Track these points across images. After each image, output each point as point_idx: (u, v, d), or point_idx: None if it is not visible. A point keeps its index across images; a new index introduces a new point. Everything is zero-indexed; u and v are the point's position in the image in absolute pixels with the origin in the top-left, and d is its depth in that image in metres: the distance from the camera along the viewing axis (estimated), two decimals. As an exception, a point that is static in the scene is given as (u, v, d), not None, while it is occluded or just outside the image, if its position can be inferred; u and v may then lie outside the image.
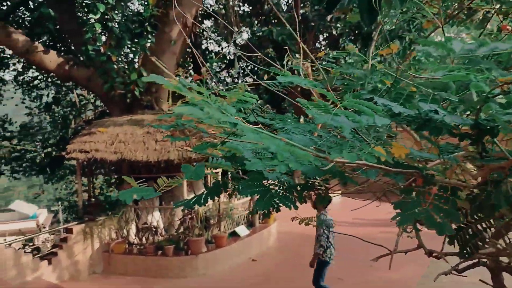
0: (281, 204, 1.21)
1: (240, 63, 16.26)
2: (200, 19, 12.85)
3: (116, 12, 8.10)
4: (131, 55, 14.46)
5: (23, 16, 12.53)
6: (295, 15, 6.95)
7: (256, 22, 14.60)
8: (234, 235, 8.34)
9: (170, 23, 8.38)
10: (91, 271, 7.53)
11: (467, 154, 1.19)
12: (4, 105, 16.14)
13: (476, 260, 1.68)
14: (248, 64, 15.56)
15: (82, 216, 7.84)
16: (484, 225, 1.29)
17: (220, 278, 7.16)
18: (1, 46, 14.39)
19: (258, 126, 1.34)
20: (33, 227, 28.19)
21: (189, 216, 7.37)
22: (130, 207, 7.95)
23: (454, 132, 1.00)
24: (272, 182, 1.16)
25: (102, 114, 11.57)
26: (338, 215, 6.33)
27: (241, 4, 14.67)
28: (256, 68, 16.35)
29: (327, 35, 14.88)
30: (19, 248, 7.14)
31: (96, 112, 12.84)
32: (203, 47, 15.43)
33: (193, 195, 7.80)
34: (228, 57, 13.49)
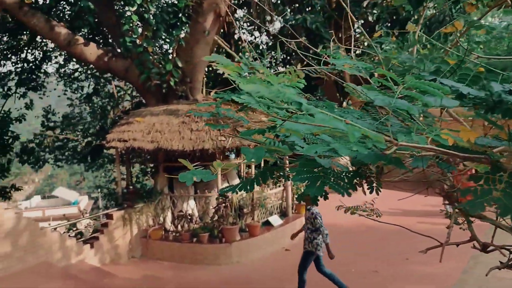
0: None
1: (272, 52, 16.13)
2: (233, 8, 12.82)
3: (152, 3, 8.22)
4: (165, 46, 14.72)
5: (63, 10, 13.02)
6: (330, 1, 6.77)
7: (289, 10, 14.39)
8: (267, 224, 8.37)
9: (204, 13, 8.41)
10: (130, 256, 7.83)
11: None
12: (47, 96, 16.91)
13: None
14: (281, 53, 15.40)
15: (121, 203, 8.13)
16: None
17: (254, 266, 7.23)
18: (44, 40, 15.09)
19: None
20: (75, 212, 29.70)
21: (223, 204, 7.46)
22: (166, 195, 8.16)
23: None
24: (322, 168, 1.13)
25: (139, 105, 11.88)
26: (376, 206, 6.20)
27: (274, -8, 14.50)
28: (288, 58, 16.18)
29: (363, 21, 14.45)
30: (64, 232, 7.52)
31: (133, 103, 13.20)
32: (235, 37, 15.44)
33: (226, 184, 7.89)
34: (260, 47, 13.40)
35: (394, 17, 11.78)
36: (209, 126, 1.84)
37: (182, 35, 8.52)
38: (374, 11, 12.21)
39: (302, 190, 9.89)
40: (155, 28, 8.06)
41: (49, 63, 15.92)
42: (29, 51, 14.83)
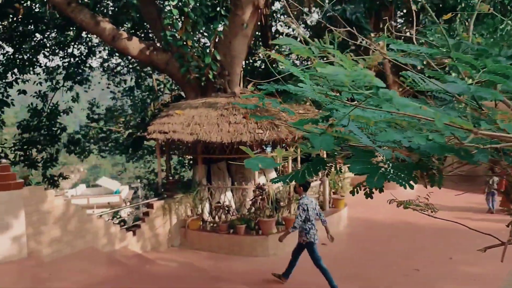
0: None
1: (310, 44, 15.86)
2: (270, 0, 12.73)
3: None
4: (203, 40, 14.90)
5: (107, 5, 13.51)
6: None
7: (327, 1, 14.09)
8: (304, 218, 8.31)
9: (243, 6, 8.41)
10: (170, 244, 8.06)
11: None
12: (92, 90, 17.66)
13: None
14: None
15: (161, 193, 8.37)
16: None
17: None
18: (89, 35, 15.75)
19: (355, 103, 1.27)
20: (116, 201, 30.96)
21: (260, 197, 7.49)
22: (205, 186, 8.31)
23: None
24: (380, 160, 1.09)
25: (178, 98, 12.14)
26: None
27: (312, -17, 14.23)
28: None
29: (405, 11, 13.89)
30: (108, 220, 7.86)
31: (173, 95, 13.50)
32: (273, 29, 15.35)
33: (263, 177, 7.88)
34: (298, 39, 13.22)
35: (441, 5, 11.22)
36: (253, 117, 1.83)
37: (221, 28, 8.58)
38: (419, 0, 11.68)
39: (340, 184, 9.76)
40: (194, 21, 8.17)
41: (94, 57, 16.64)
42: (76, 46, 15.54)
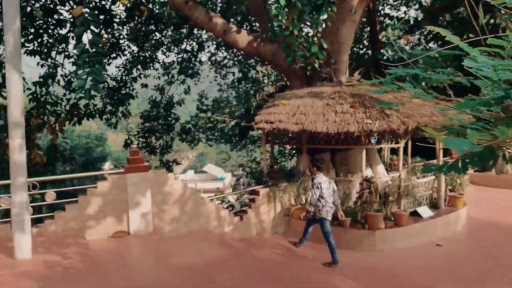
0: None
1: (420, 30, 14.55)
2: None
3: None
4: (305, 29, 14.76)
5: (216, 1, 14.29)
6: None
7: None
8: (414, 215, 7.75)
9: (351, -10, 8.07)
10: (274, 231, 8.28)
11: None
12: (201, 82, 18.98)
13: None
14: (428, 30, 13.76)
15: (266, 181, 8.62)
16: None
17: (399, 257, 6.81)
18: (200, 32, 16.89)
19: None
20: (220, 187, 32.95)
21: (367, 190, 7.18)
22: (308, 176, 8.29)
23: None
24: None
25: (282, 88, 12.29)
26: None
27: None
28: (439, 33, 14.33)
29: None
30: (218, 204, 8.39)
31: (277, 86, 13.73)
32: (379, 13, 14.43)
33: (369, 170, 7.56)
34: (411, 21, 12.22)
35: None
36: (379, 104, 1.71)
37: (325, 16, 8.37)
38: None
39: (458, 181, 8.82)
40: (301, 10, 8.11)
41: (203, 52, 17.84)
42: (188, 42, 16.85)
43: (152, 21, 13.84)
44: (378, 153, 9.36)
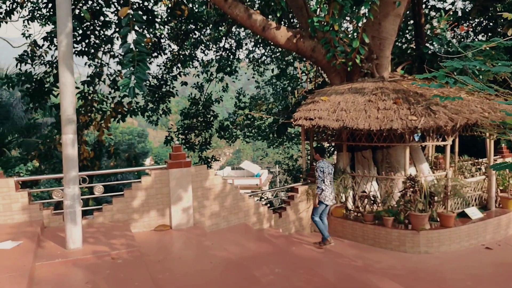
0: None
1: (468, 22, 13.78)
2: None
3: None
4: (345, 24, 14.44)
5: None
6: None
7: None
8: (462, 216, 7.40)
9: (395, -18, 7.78)
10: (313, 229, 8.20)
11: None
12: (238, 80, 19.13)
13: None
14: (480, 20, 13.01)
15: (305, 178, 8.54)
16: None
17: (445, 260, 6.52)
18: (238, 29, 17.01)
19: None
20: (257, 183, 33.07)
21: (411, 189, 6.93)
22: (349, 174, 8.13)
23: None
24: None
25: (321, 85, 12.11)
26: None
27: None
28: (490, 24, 13.54)
29: None
30: (257, 200, 8.43)
31: (316, 82, 13.56)
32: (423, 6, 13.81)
33: (413, 168, 7.28)
34: (459, 13, 11.61)
35: None
36: (438, 98, 1.62)
37: (364, 11, 8.13)
38: None
39: (510, 182, 8.30)
40: (341, 5, 7.94)
41: (241, 50, 17.95)
42: (226, 40, 17.02)
43: (192, 20, 14.10)
44: (422, 150, 9.00)
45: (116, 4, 11.66)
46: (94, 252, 4.81)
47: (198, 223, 6.77)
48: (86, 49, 11.85)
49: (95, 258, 4.70)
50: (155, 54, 14.62)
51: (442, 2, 13.90)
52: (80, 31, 11.40)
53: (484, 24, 13.76)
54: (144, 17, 11.86)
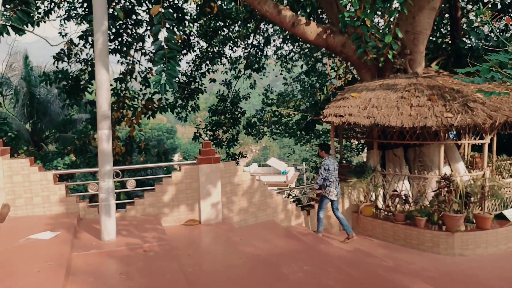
0: None
1: (508, 15, 13.07)
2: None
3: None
4: (376, 19, 14.08)
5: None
6: None
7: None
8: (500, 218, 7.08)
9: (430, -26, 7.51)
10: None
11: None
12: (266, 76, 19.09)
13: None
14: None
15: (334, 176, 8.42)
16: None
17: (481, 263, 6.28)
18: (266, 26, 16.95)
19: None
20: (283, 181, 32.99)
21: (446, 189, 6.70)
22: (379, 172, 7.96)
23: None
24: None
25: (351, 81, 11.90)
26: None
27: None
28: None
29: None
30: (285, 197, 8.41)
31: (345, 79, 13.34)
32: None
33: (447, 167, 7.02)
34: (498, 5, 11.07)
35: None
36: (482, 93, 1.54)
37: (396, 5, 7.88)
38: None
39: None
40: (373, -1, 7.75)
41: (269, 46, 17.90)
42: (255, 37, 17.01)
43: (220, 17, 14.19)
44: (457, 149, 8.68)
45: (147, 2, 11.89)
46: (127, 244, 4.95)
47: (227, 219, 6.83)
48: (119, 47, 12.18)
49: (128, 250, 4.84)
50: (185, 51, 14.83)
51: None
52: (113, 30, 11.72)
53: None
54: (174, 15, 12.04)
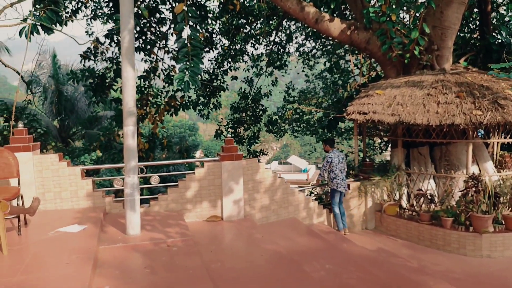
0: None
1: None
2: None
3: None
4: (401, 14, 13.76)
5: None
6: None
7: None
8: (532, 220, 6.80)
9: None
10: (364, 227, 7.99)
11: None
12: (288, 74, 18.98)
13: None
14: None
15: (357, 173, 8.32)
16: None
17: (511, 266, 6.06)
18: (289, 23, 16.85)
19: None
20: (304, 179, 32.79)
21: (473, 189, 6.49)
22: (404, 171, 7.80)
23: None
24: None
25: (375, 78, 11.69)
26: None
27: None
28: None
29: None
30: (306, 195, 8.36)
31: (369, 76, 13.11)
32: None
33: (475, 167, 6.81)
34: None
35: None
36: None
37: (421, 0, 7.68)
38: None
39: None
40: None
41: (291, 43, 17.79)
42: (277, 34, 16.95)
43: (243, 15, 14.20)
44: (486, 148, 8.40)
45: (171, 1, 12.03)
46: (151, 239, 5.05)
47: (248, 216, 6.85)
48: (143, 45, 12.38)
49: (152, 245, 4.93)
50: (207, 49, 14.93)
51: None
52: (138, 28, 11.92)
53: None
54: (198, 13, 12.13)
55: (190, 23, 5.22)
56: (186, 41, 5.15)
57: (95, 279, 3.89)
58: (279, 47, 16.99)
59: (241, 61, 16.94)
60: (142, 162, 7.43)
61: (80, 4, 12.24)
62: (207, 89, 15.72)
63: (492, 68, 5.50)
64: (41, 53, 19.60)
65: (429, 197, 7.24)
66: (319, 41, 17.30)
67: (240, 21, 14.99)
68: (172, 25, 12.67)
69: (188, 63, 5.16)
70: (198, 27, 13.29)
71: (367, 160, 8.60)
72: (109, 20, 13.26)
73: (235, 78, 16.68)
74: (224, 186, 6.58)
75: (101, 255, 4.56)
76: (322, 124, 15.37)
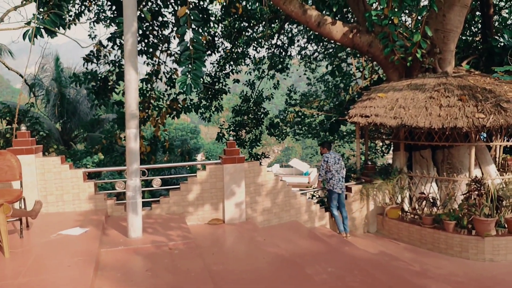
0: None
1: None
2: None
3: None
4: (403, 17, 13.78)
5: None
6: None
7: None
8: (534, 223, 6.77)
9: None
10: (365, 230, 7.97)
11: None
12: (290, 77, 18.99)
13: None
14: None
15: (359, 177, 8.31)
16: None
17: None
18: (291, 26, 16.90)
19: None
20: (305, 182, 32.73)
21: (476, 192, 6.47)
22: (406, 174, 7.78)
23: None
24: None
25: (377, 81, 11.70)
26: None
27: None
28: None
29: None
30: (308, 198, 8.35)
31: (371, 79, 13.12)
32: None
33: (478, 170, 6.81)
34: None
35: None
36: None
37: (425, 2, 7.69)
38: None
39: None
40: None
41: (293, 46, 17.82)
42: (279, 37, 16.99)
43: (245, 18, 14.24)
44: (489, 150, 8.38)
45: (173, 4, 12.08)
46: (153, 242, 5.04)
47: (250, 219, 6.84)
48: (145, 48, 12.41)
49: (154, 248, 4.93)
50: (209, 52, 14.96)
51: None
52: (140, 32, 11.96)
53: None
54: (200, 16, 12.17)
55: (193, 26, 5.24)
56: (188, 44, 5.17)
57: (96, 281, 3.89)
58: (281, 50, 17.02)
59: (243, 64, 16.97)
60: (144, 165, 7.43)
61: (83, 7, 12.30)
62: (209, 92, 15.75)
63: (496, 70, 5.50)
64: (44, 56, 19.66)
65: (432, 201, 7.22)
66: (321, 44, 17.33)
67: (242, 24, 15.03)
68: (175, 28, 12.71)
69: (190, 66, 5.18)
70: (200, 30, 13.35)
71: (369, 163, 8.58)
72: (112, 24, 13.33)
73: (237, 81, 16.70)
74: (226, 189, 6.58)
75: (102, 257, 4.56)
76: (324, 127, 15.38)
